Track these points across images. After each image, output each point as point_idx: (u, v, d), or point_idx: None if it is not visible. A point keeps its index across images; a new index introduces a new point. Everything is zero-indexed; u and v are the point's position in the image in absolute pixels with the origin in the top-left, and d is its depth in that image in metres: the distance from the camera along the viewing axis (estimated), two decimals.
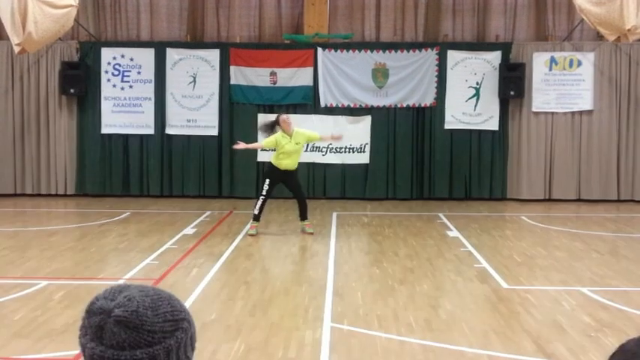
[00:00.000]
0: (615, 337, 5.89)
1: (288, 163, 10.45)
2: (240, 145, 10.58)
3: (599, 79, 14.22)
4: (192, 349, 1.45)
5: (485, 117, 14.26)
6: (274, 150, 10.63)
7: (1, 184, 14.57)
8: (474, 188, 14.37)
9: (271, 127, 10.71)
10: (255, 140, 13.33)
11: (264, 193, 10.46)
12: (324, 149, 14.34)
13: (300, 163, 14.04)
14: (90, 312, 1.38)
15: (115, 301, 1.37)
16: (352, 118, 14.35)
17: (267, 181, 10.52)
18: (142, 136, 14.51)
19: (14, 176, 14.62)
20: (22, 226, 11.37)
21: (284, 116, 10.64)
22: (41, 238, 10.30)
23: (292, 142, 10.37)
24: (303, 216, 10.72)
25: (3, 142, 14.56)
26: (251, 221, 10.57)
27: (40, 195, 14.58)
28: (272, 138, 10.45)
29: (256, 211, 10.46)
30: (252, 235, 10.37)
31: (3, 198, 14.27)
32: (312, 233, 10.58)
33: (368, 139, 14.34)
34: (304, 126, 14.11)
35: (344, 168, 14.41)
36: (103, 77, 14.50)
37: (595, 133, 14.26)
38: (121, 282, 6.44)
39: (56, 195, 14.58)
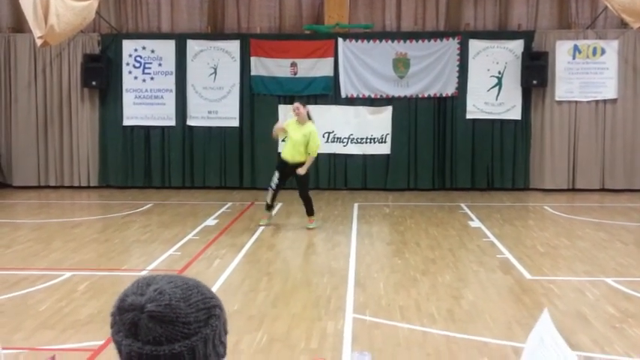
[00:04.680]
0: None
1: (284, 152, 10.39)
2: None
3: (624, 67, 14.02)
4: (226, 332, 1.44)
5: (508, 106, 14.14)
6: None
7: (25, 176, 14.72)
8: (496, 178, 14.27)
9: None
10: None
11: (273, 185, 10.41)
12: (345, 140, 14.31)
13: (321, 154, 14.07)
14: (121, 309, 1.34)
15: (145, 295, 1.33)
16: (373, 108, 14.30)
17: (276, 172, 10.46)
18: (163, 128, 14.59)
19: (38, 168, 14.76)
20: (46, 218, 11.48)
21: (296, 104, 10.41)
22: (65, 229, 10.39)
23: (299, 133, 10.12)
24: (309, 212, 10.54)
25: (26, 134, 14.70)
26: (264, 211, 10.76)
27: (63, 187, 14.71)
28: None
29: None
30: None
31: (27, 190, 14.43)
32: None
33: (389, 130, 14.28)
34: (325, 116, 14.04)
35: (365, 159, 14.37)
36: (125, 69, 14.58)
37: (619, 122, 14.08)
38: (144, 273, 6.47)
39: (79, 187, 14.70)
